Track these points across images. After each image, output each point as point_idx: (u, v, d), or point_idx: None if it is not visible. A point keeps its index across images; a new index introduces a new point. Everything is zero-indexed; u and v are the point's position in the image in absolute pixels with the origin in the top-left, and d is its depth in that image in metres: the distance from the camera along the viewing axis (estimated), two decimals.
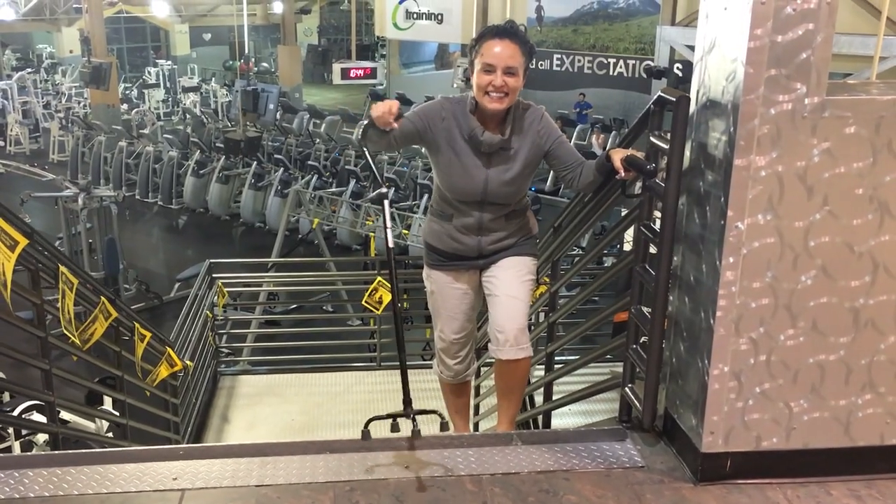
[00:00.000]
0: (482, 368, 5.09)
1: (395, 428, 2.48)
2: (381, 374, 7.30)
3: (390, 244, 2.67)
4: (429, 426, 2.53)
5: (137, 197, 17.92)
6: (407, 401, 2.55)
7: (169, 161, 17.63)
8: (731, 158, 2.08)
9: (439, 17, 20.26)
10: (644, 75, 18.69)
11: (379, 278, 7.05)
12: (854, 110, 2.06)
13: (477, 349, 3.49)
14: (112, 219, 12.95)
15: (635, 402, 2.57)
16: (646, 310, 2.52)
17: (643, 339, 2.57)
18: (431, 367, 7.82)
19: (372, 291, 7.14)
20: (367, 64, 17.38)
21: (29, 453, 2.78)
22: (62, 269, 3.23)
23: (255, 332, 8.82)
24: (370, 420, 2.50)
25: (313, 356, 7.71)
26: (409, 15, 20.97)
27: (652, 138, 2.42)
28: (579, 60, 20.23)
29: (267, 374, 7.44)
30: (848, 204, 2.13)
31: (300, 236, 14.54)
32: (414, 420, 2.47)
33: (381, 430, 2.49)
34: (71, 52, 27.89)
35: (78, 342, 3.37)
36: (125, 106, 23.37)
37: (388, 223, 2.74)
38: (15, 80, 23.46)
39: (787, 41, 2.00)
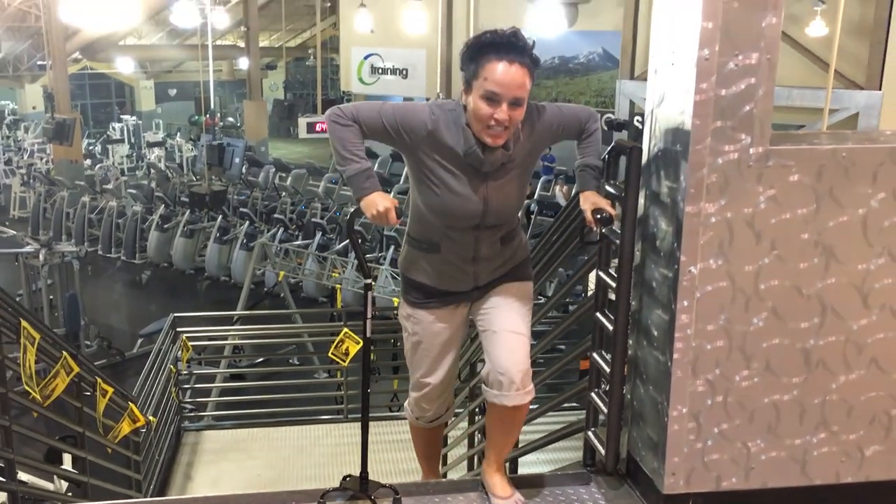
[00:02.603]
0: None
1: (354, 497, 2.45)
2: (348, 427, 7.26)
3: (368, 333, 2.49)
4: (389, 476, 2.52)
5: (100, 252, 17.70)
6: (364, 475, 2.47)
7: (133, 216, 17.49)
8: (683, 206, 2.16)
9: (404, 73, 20.59)
10: (605, 128, 19.18)
11: (345, 330, 7.03)
12: (796, 159, 2.17)
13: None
14: (74, 274, 12.78)
15: (598, 445, 2.61)
16: (607, 355, 2.57)
17: (605, 383, 2.62)
18: (398, 419, 7.74)
19: (338, 343, 7.12)
20: None
21: None
22: (24, 323, 3.20)
23: (220, 387, 8.70)
24: (326, 492, 2.45)
25: (279, 409, 7.63)
26: (374, 70, 21.29)
27: (608, 187, 2.50)
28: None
29: (232, 429, 7.34)
30: (795, 248, 2.22)
31: (266, 289, 14.46)
32: (374, 501, 2.41)
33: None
34: (34, 108, 27.76)
35: (39, 398, 3.33)
36: (88, 161, 23.24)
37: (370, 313, 2.49)
38: None
39: (730, 94, 2.11)
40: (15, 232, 14.12)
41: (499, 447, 2.58)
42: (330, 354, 7.21)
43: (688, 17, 2.11)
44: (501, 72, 2.23)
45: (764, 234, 2.20)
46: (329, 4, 25.28)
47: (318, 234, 14.93)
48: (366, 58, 21.43)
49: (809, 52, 15.75)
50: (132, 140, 26.77)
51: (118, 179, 20.43)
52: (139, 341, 12.74)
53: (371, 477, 2.48)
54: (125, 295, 16.33)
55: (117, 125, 27.47)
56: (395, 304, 11.57)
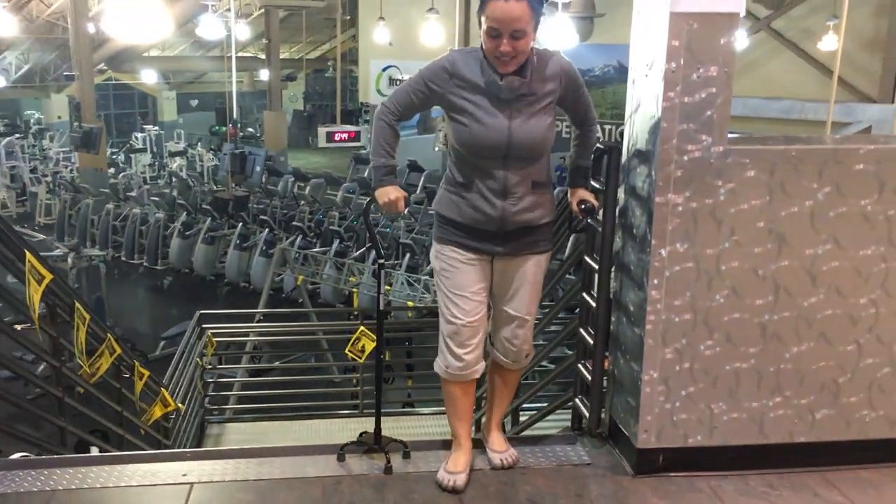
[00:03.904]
0: None
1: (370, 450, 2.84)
2: (363, 421, 7.59)
3: (381, 307, 3.00)
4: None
5: (123, 258, 18.22)
6: (378, 430, 2.89)
7: (155, 223, 18.01)
8: (653, 197, 2.52)
9: None
10: (620, 138, 19.48)
11: (362, 328, 7.39)
12: (752, 157, 2.52)
13: None
14: (100, 277, 13.27)
15: (584, 411, 2.95)
16: (592, 330, 2.92)
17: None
18: (413, 415, 8.03)
19: (355, 341, 7.47)
20: (352, 128, 17.98)
21: (56, 456, 3.09)
22: (77, 304, 3.59)
23: (242, 381, 9.08)
24: (345, 445, 2.85)
25: (298, 404, 8.00)
26: (392, 82, 21.76)
27: (593, 182, 2.86)
28: (558, 125, 20.94)
29: (253, 422, 7.71)
30: (751, 235, 2.57)
31: (284, 294, 14.86)
32: (387, 453, 2.79)
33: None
34: (59, 117, 28.51)
35: (88, 371, 3.72)
36: (112, 170, 23.83)
37: (383, 288, 2.97)
38: (2, 145, 23.93)
39: (693, 102, 2.47)
40: (44, 236, 14.63)
41: (496, 404, 2.97)
42: (346, 352, 7.57)
43: (658, 35, 2.48)
44: (499, 9, 2.47)
45: (724, 221, 2.55)
46: (349, 17, 25.80)
47: (336, 242, 15.35)
48: (384, 69, 21.93)
49: (823, 65, 16.03)
50: (154, 149, 27.40)
51: (141, 188, 20.98)
52: (161, 344, 13.19)
53: None
54: (148, 299, 16.81)
55: (140, 135, 28.13)
56: (410, 306, 11.97)
